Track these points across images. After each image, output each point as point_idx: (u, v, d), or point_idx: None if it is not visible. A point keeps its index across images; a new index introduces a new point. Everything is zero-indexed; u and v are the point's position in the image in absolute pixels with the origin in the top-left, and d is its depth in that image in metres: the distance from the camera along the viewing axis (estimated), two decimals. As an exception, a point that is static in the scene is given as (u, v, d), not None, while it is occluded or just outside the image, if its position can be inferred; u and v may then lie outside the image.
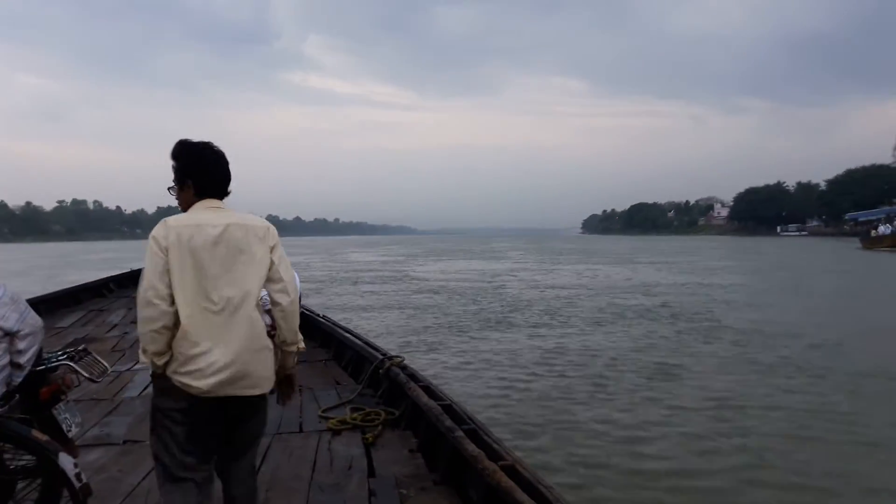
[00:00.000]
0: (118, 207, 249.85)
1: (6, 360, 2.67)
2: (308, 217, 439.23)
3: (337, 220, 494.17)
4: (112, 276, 13.74)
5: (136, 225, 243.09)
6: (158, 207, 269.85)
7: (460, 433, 3.57)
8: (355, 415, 4.60)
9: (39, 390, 2.84)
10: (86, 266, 39.17)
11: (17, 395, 2.77)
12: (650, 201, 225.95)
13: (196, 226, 2.32)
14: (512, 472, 3.06)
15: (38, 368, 2.84)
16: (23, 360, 2.71)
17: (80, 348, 3.15)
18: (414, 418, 4.36)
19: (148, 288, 2.24)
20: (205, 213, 2.39)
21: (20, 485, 2.86)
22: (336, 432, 4.39)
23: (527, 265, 38.63)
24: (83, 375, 3.01)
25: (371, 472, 3.72)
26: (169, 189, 2.50)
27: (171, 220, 2.34)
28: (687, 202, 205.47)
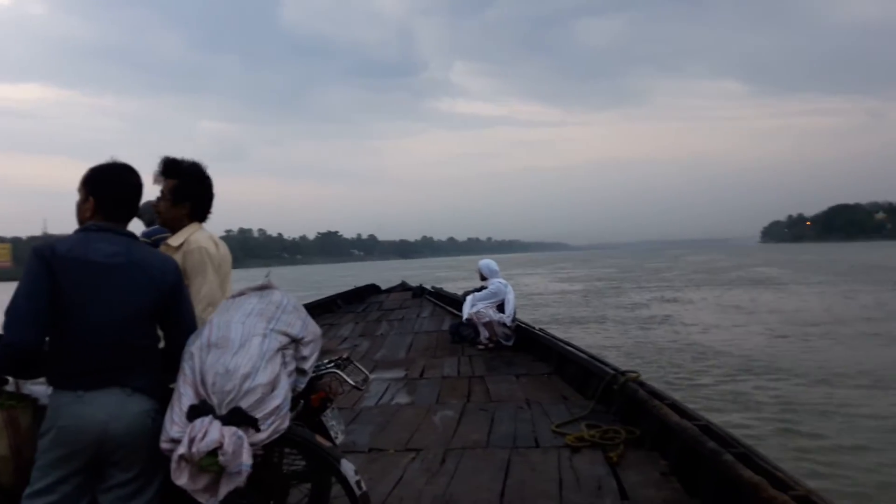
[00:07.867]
0: (279, 234, 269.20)
1: (293, 366, 2.88)
2: (461, 237, 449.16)
3: (489, 238, 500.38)
4: (339, 293, 14.96)
5: (296, 251, 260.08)
6: (318, 233, 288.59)
7: (730, 457, 3.30)
8: (593, 432, 4.53)
9: (310, 397, 3.06)
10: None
11: (302, 402, 2.99)
12: (842, 202, 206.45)
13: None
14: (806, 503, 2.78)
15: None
16: (306, 366, 2.88)
17: (344, 356, 3.35)
18: (661, 438, 4.20)
19: None
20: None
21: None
22: (575, 449, 4.36)
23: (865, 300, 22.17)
24: (349, 383, 3.20)
25: (623, 495, 3.62)
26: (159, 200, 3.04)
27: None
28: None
